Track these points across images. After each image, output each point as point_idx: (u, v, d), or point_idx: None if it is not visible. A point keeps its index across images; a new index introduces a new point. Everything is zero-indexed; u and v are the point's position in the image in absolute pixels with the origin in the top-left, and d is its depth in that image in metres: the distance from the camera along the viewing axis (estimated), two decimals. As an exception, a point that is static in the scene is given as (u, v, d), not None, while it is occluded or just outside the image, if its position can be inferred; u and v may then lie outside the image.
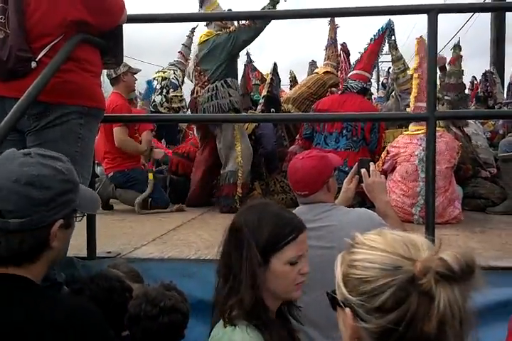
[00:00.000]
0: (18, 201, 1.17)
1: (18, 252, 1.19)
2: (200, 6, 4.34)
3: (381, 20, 4.61)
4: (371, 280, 0.81)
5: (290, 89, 6.25)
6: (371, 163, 2.13)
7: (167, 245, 2.78)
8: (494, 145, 5.17)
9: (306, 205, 1.99)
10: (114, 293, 1.70)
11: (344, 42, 5.42)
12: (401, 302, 0.78)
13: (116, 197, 4.38)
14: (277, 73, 5.12)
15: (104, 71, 3.87)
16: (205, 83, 4.22)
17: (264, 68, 6.20)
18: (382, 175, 2.22)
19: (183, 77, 5.83)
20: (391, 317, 0.78)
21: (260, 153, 4.37)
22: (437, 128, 3.03)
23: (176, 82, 5.63)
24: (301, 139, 4.45)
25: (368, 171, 2.09)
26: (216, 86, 4.15)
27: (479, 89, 7.26)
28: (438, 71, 4.37)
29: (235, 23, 4.28)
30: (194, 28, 5.68)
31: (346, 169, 3.49)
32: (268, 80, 5.02)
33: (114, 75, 4.36)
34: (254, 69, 6.25)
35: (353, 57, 4.92)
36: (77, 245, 2.32)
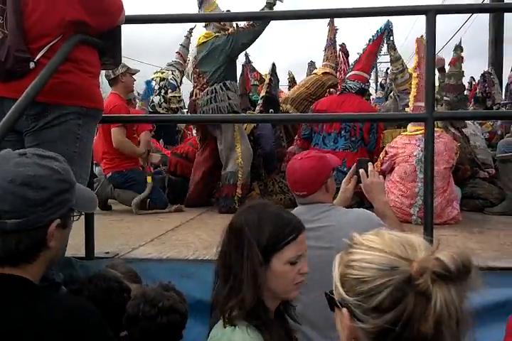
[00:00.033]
0: (14, 201, 1.17)
1: (14, 252, 1.19)
2: (199, 7, 4.34)
3: (380, 21, 4.61)
4: (368, 280, 0.81)
5: (289, 89, 6.26)
6: (369, 164, 2.13)
7: (165, 245, 2.78)
8: (492, 146, 5.18)
9: (305, 206, 1.99)
10: (112, 294, 1.70)
11: (343, 43, 5.43)
12: (398, 302, 0.78)
13: (114, 198, 4.38)
14: (276, 74, 5.12)
15: (103, 72, 3.87)
16: (204, 85, 4.22)
17: (263, 69, 6.21)
18: (381, 176, 2.22)
19: (181, 78, 5.83)
20: (388, 317, 0.78)
21: (259, 153, 4.37)
22: (436, 129, 3.03)
23: (174, 83, 5.63)
24: (299, 140, 4.45)
25: (367, 171, 2.09)
26: (215, 88, 4.14)
27: (477, 90, 7.27)
28: (437, 72, 4.38)
29: (234, 24, 4.29)
30: (192, 29, 5.68)
31: (345, 169, 3.50)
32: (267, 81, 5.02)
33: (112, 76, 4.36)
34: (253, 69, 6.25)
35: (352, 58, 4.92)
36: (75, 245, 2.32)
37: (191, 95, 4.49)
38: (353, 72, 4.44)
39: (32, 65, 1.86)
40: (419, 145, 3.53)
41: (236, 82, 4.35)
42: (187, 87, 6.00)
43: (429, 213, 2.26)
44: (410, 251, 0.82)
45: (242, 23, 4.18)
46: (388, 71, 8.72)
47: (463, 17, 13.30)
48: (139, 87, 5.86)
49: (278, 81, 5.28)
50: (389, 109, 5.54)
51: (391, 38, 4.60)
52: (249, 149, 4.22)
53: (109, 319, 1.26)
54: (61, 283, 1.86)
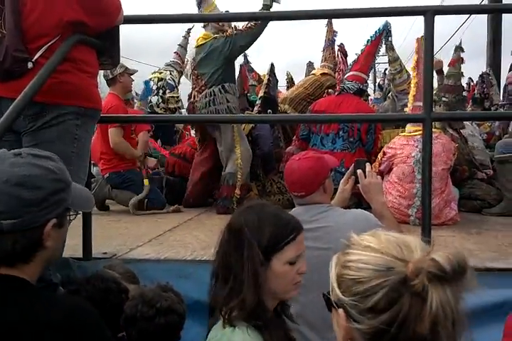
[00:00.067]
0: (9, 202, 1.16)
1: (11, 253, 1.18)
2: (198, 8, 4.34)
3: (378, 22, 4.61)
4: (364, 280, 0.81)
5: (287, 90, 6.26)
6: (367, 164, 2.13)
7: (163, 246, 2.78)
8: (490, 147, 5.18)
9: (303, 206, 1.99)
10: (110, 294, 1.70)
11: (342, 44, 5.43)
12: (393, 303, 0.78)
13: (112, 198, 4.38)
14: (274, 74, 5.11)
15: (101, 72, 3.87)
16: (202, 87, 4.22)
17: (262, 69, 6.20)
18: (379, 176, 2.22)
19: (180, 78, 5.82)
20: (383, 318, 0.78)
21: (257, 154, 4.37)
22: (434, 130, 3.03)
23: (173, 83, 5.63)
24: (297, 140, 4.46)
25: (364, 172, 2.09)
26: (213, 91, 4.14)
27: (476, 91, 7.28)
28: (435, 74, 4.38)
29: (232, 25, 4.28)
30: (190, 29, 5.67)
31: (343, 170, 3.49)
32: (265, 81, 5.01)
33: (110, 76, 4.35)
34: (252, 70, 6.24)
35: (350, 58, 4.92)
36: (72, 246, 2.31)
37: (190, 97, 4.48)
38: (351, 73, 4.44)
39: (30, 64, 1.86)
40: (417, 146, 3.53)
41: (235, 84, 4.34)
42: (185, 87, 5.99)
43: (426, 214, 2.26)
44: (406, 252, 0.82)
45: (240, 25, 4.18)
46: (386, 72, 8.73)
47: (461, 18, 13.34)
48: (137, 87, 5.85)
49: (277, 81, 5.28)
50: (387, 109, 5.54)
51: (389, 39, 4.61)
52: (249, 150, 4.22)
53: (106, 320, 1.26)
54: (58, 284, 1.86)
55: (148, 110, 5.73)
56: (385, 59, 5.23)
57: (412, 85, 3.91)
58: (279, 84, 5.58)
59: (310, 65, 6.66)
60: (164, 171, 4.93)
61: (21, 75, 1.86)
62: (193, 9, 4.42)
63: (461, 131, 4.46)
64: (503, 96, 6.86)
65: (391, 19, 4.48)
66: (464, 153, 4.22)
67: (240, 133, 4.19)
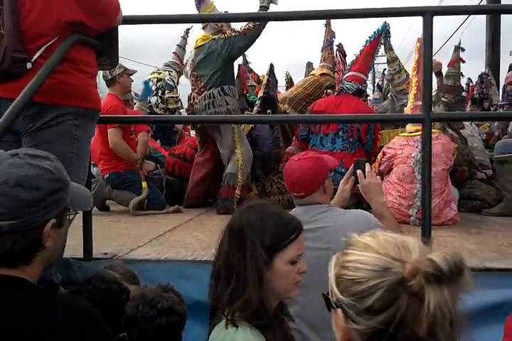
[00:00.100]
0: (7, 203, 1.16)
1: (10, 254, 1.18)
2: (197, 8, 4.34)
3: (377, 22, 4.62)
4: (362, 281, 0.81)
5: (286, 90, 6.26)
6: (367, 164, 2.13)
7: (163, 246, 2.78)
8: (490, 147, 5.18)
9: (302, 207, 1.99)
10: (111, 295, 1.70)
11: (340, 44, 5.43)
12: (390, 303, 0.78)
13: (112, 198, 4.38)
14: (274, 74, 5.11)
15: (100, 72, 3.86)
16: (202, 89, 4.21)
17: (261, 69, 6.20)
18: (378, 176, 2.22)
19: (178, 78, 5.82)
20: (380, 319, 0.78)
21: (256, 154, 4.37)
22: (433, 130, 3.03)
23: (172, 83, 5.62)
24: (297, 140, 4.46)
25: (364, 172, 2.09)
26: (213, 93, 4.13)
27: (475, 91, 7.28)
28: (434, 76, 4.37)
29: (232, 25, 4.28)
30: (188, 29, 5.67)
31: (342, 170, 3.50)
32: (264, 81, 5.01)
33: (109, 77, 4.35)
34: (250, 70, 6.24)
35: (349, 59, 4.93)
36: (73, 246, 2.31)
37: (189, 98, 4.48)
38: (350, 73, 4.45)
39: (29, 65, 1.86)
40: (417, 147, 3.53)
41: (234, 85, 4.33)
42: (184, 88, 5.99)
43: (426, 214, 2.26)
44: (404, 253, 0.82)
45: (238, 27, 4.18)
46: (385, 72, 8.73)
47: (460, 18, 13.35)
48: (136, 87, 5.85)
49: (276, 81, 5.28)
50: (386, 109, 5.54)
51: (388, 39, 4.62)
52: (249, 151, 4.22)
53: (107, 320, 1.25)
54: (59, 284, 1.86)
55: (148, 110, 5.73)
56: (384, 59, 5.23)
57: (414, 84, 3.91)
58: (278, 84, 5.58)
59: (309, 66, 6.66)
60: (164, 171, 4.92)
61: (20, 76, 1.86)
62: (191, 10, 4.42)
63: (460, 131, 4.46)
64: (502, 97, 6.87)
65: (390, 20, 4.49)
66: (464, 153, 4.22)
67: (240, 134, 4.19)
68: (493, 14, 8.39)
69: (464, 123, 4.62)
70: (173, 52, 5.82)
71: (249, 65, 6.30)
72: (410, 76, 4.40)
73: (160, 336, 1.59)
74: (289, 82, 6.33)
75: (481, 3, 9.91)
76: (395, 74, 4.92)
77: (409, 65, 4.59)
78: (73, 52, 1.93)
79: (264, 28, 4.06)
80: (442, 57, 5.30)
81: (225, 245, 1.30)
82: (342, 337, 0.86)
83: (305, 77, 5.86)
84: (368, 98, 8.05)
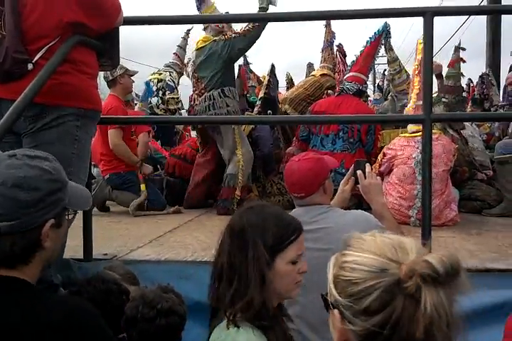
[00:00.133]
0: (5, 204, 1.16)
1: (9, 255, 1.18)
2: (198, 9, 4.34)
3: (377, 23, 4.62)
4: (358, 282, 0.81)
5: (286, 90, 6.26)
6: (367, 165, 2.13)
7: (163, 247, 2.78)
8: (490, 148, 5.18)
9: (303, 207, 1.99)
10: (111, 296, 1.70)
11: (340, 44, 5.44)
12: (386, 304, 0.78)
13: (112, 199, 4.38)
14: (275, 75, 5.11)
15: (101, 73, 3.87)
16: (202, 91, 4.22)
17: (262, 70, 6.20)
18: (379, 177, 2.22)
19: (179, 79, 5.83)
20: (376, 320, 0.78)
21: (257, 155, 4.37)
22: (434, 131, 3.03)
23: (172, 84, 5.63)
24: (297, 141, 4.46)
25: (364, 173, 2.09)
26: (213, 95, 4.14)
27: (476, 92, 7.28)
28: (434, 78, 4.37)
29: (233, 26, 4.28)
30: (189, 30, 5.68)
31: (343, 171, 3.50)
32: (265, 82, 5.02)
33: (110, 77, 4.35)
34: (250, 71, 6.24)
35: (350, 59, 4.93)
36: (73, 247, 2.31)
37: (190, 100, 4.49)
38: (350, 74, 4.45)
39: (30, 66, 1.87)
40: (418, 148, 3.52)
41: (234, 87, 4.33)
42: (185, 88, 5.99)
43: (427, 215, 2.26)
44: (401, 254, 0.82)
45: (239, 28, 4.18)
46: (385, 72, 8.73)
47: (460, 19, 13.36)
48: (137, 88, 5.86)
49: (277, 82, 5.28)
50: (387, 109, 5.55)
51: (388, 40, 4.62)
52: (250, 152, 4.23)
53: (107, 321, 1.25)
54: (59, 285, 1.86)
55: (149, 111, 5.74)
56: (385, 60, 5.23)
57: (415, 84, 3.91)
58: (279, 85, 5.58)
59: (310, 66, 6.66)
60: (164, 172, 4.92)
61: (21, 77, 1.87)
62: (192, 10, 4.42)
63: (461, 131, 4.46)
64: (502, 97, 6.86)
65: (390, 20, 4.49)
66: (465, 154, 4.22)
67: (240, 135, 4.19)
68: (494, 15, 8.39)
69: (465, 123, 4.62)
70: (174, 53, 5.83)
71: (250, 65, 6.30)
72: (411, 76, 4.40)
73: (160, 337, 1.59)
74: (290, 83, 6.33)
75: (482, 4, 9.91)
76: (396, 75, 4.93)
77: (410, 66, 4.60)
78: (74, 53, 1.94)
79: (264, 29, 4.07)
80: (442, 58, 5.30)
81: (225, 246, 1.31)
82: (338, 338, 0.86)
83: (306, 77, 5.86)
84: (369, 99, 8.05)
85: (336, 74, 5.24)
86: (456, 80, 4.84)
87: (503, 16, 8.99)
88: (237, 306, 1.22)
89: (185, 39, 5.75)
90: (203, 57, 4.21)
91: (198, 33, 4.55)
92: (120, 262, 2.32)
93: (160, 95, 5.49)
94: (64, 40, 1.91)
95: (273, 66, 5.11)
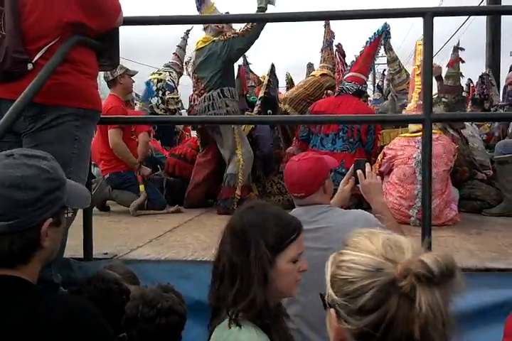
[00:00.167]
0: (2, 204, 1.16)
1: (8, 254, 1.18)
2: (198, 10, 4.34)
3: (377, 23, 4.63)
4: (354, 281, 0.81)
5: (286, 90, 6.27)
6: (367, 164, 2.13)
7: (164, 246, 2.78)
8: (490, 148, 5.19)
9: (303, 207, 1.99)
10: (111, 295, 1.70)
11: (339, 44, 5.44)
12: (381, 304, 0.78)
13: (112, 199, 4.38)
14: (275, 74, 5.11)
15: (101, 73, 3.87)
16: (202, 91, 4.22)
17: (261, 70, 6.20)
18: (378, 177, 2.22)
19: (179, 79, 5.84)
20: (370, 319, 0.79)
21: (257, 155, 4.37)
22: (434, 131, 3.03)
23: (172, 84, 5.63)
24: (297, 141, 4.47)
25: (364, 172, 2.10)
26: (212, 95, 4.14)
27: (476, 92, 7.28)
28: (434, 81, 4.37)
29: (233, 26, 4.28)
30: (189, 30, 5.69)
31: (343, 171, 3.50)
32: (265, 82, 5.02)
33: (111, 77, 4.35)
34: (249, 71, 6.23)
35: (349, 59, 4.93)
36: (73, 246, 2.31)
37: (190, 100, 4.49)
38: (350, 74, 4.45)
39: (30, 66, 1.87)
40: (418, 148, 3.52)
41: (234, 87, 4.34)
42: (185, 88, 5.99)
43: (427, 215, 2.26)
44: (397, 253, 0.82)
45: (238, 28, 4.18)
46: (385, 72, 8.73)
47: (460, 19, 13.36)
48: (137, 88, 5.86)
49: (277, 82, 5.28)
50: (387, 109, 5.56)
51: (388, 40, 4.62)
52: (250, 151, 4.23)
53: (107, 320, 1.26)
54: (59, 284, 1.86)
55: (150, 111, 5.74)
56: (384, 60, 5.24)
57: (418, 83, 3.90)
58: (279, 85, 5.58)
59: (310, 66, 6.67)
60: (164, 172, 4.93)
61: (21, 76, 1.87)
62: (192, 11, 4.42)
63: (461, 131, 4.46)
64: (502, 97, 6.86)
65: (390, 20, 4.49)
66: (465, 154, 4.22)
67: (240, 135, 4.19)
68: (494, 15, 8.40)
69: (465, 123, 4.62)
70: (174, 53, 5.83)
71: (250, 65, 6.30)
72: (411, 76, 4.40)
73: (160, 336, 1.60)
74: (290, 83, 6.34)
75: (482, 4, 9.91)
76: (395, 74, 4.93)
77: (410, 66, 4.60)
78: (74, 53, 1.94)
79: (262, 28, 4.07)
80: (442, 59, 5.30)
81: (227, 246, 1.31)
82: (335, 337, 0.86)
83: (306, 77, 5.86)
84: (369, 99, 8.06)
85: (336, 74, 5.24)
86: (456, 80, 4.84)
87: (502, 17, 8.99)
88: (240, 305, 1.23)
89: (184, 39, 5.76)
90: (203, 57, 4.21)
91: (198, 34, 4.56)
92: (120, 261, 2.32)
93: (160, 95, 5.50)
94: (64, 40, 1.91)
95: (273, 66, 5.11)
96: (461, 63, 5.10)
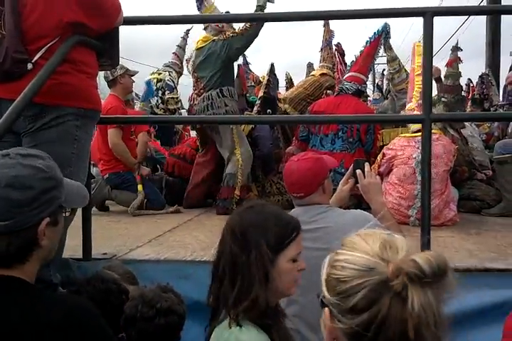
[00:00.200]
0: None
1: (5, 254, 1.18)
2: (198, 9, 4.34)
3: (377, 23, 4.63)
4: (347, 280, 0.81)
5: (286, 90, 6.27)
6: (366, 164, 2.13)
7: (163, 246, 2.78)
8: (489, 148, 5.19)
9: (302, 207, 1.99)
10: (110, 295, 1.70)
11: (339, 43, 5.44)
12: (372, 303, 0.78)
13: (112, 199, 4.38)
14: (275, 74, 5.11)
15: (101, 73, 3.87)
16: (201, 90, 4.22)
17: (261, 70, 6.20)
18: (378, 177, 2.22)
19: (178, 79, 5.84)
20: (362, 319, 0.78)
21: (256, 155, 4.37)
22: (434, 131, 3.02)
23: (172, 84, 5.63)
24: (297, 141, 4.46)
25: (363, 172, 2.09)
26: (211, 95, 4.14)
27: (475, 91, 7.29)
28: (434, 83, 4.37)
29: (233, 25, 4.28)
30: (189, 30, 5.69)
31: (342, 171, 3.50)
32: (264, 81, 5.02)
33: (111, 77, 4.35)
34: (249, 71, 6.23)
35: (348, 58, 4.93)
36: (72, 246, 2.31)
37: (190, 99, 4.49)
38: (349, 74, 4.46)
39: (30, 66, 1.87)
40: (418, 148, 3.51)
41: (233, 87, 4.33)
42: (185, 88, 5.99)
43: (426, 215, 2.26)
44: (390, 253, 0.82)
45: (237, 27, 4.18)
46: (384, 72, 8.73)
47: (460, 19, 13.36)
48: (137, 88, 5.86)
49: (277, 81, 5.28)
50: (386, 108, 5.56)
51: (388, 40, 4.62)
52: (249, 151, 4.23)
53: (107, 320, 1.25)
54: (58, 284, 1.86)
55: (150, 111, 5.74)
56: (384, 60, 5.24)
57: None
58: (278, 85, 5.58)
59: (310, 66, 6.67)
60: (164, 172, 4.92)
61: (21, 76, 1.87)
62: (192, 10, 4.42)
63: (461, 131, 4.46)
64: (502, 97, 6.87)
65: (390, 20, 4.49)
66: (464, 154, 4.22)
67: (239, 135, 4.19)
68: (494, 15, 8.41)
69: (465, 123, 4.62)
70: (173, 53, 5.83)
71: (249, 65, 6.30)
72: (410, 76, 4.40)
73: (159, 336, 1.60)
74: (289, 83, 6.34)
75: (482, 4, 9.92)
76: (395, 74, 4.93)
77: (409, 65, 4.60)
78: (74, 53, 1.94)
79: (261, 27, 4.06)
80: (442, 59, 5.30)
81: (227, 246, 1.31)
82: (328, 336, 0.86)
83: (306, 77, 5.86)
84: (368, 98, 8.06)
85: (335, 73, 5.24)
86: (455, 79, 4.83)
87: (502, 16, 9.01)
88: (242, 305, 1.23)
89: (184, 39, 5.76)
90: (202, 57, 4.21)
91: (199, 33, 4.56)
92: (119, 262, 2.32)
93: (159, 95, 5.50)
94: (64, 40, 1.91)
95: (272, 65, 5.11)
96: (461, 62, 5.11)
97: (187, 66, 4.89)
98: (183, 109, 5.83)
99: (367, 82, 4.98)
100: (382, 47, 4.59)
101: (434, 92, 4.38)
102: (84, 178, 2.05)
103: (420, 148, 3.36)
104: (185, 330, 1.69)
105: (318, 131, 4.20)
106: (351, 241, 0.88)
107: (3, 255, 1.18)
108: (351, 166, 2.17)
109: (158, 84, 5.51)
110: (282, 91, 6.54)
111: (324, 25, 5.44)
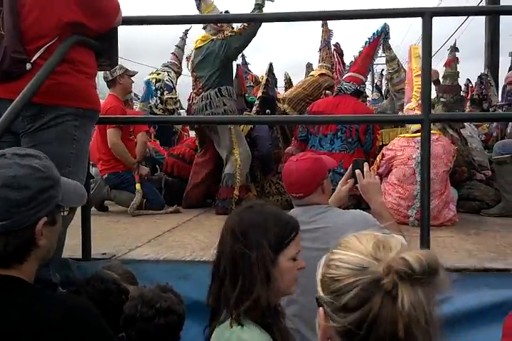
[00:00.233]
0: None
1: (3, 254, 1.18)
2: (198, 9, 4.34)
3: (376, 23, 4.63)
4: (340, 279, 0.82)
5: (285, 91, 6.27)
6: (365, 164, 2.13)
7: (162, 246, 2.78)
8: (489, 148, 5.19)
9: (301, 207, 1.99)
10: (110, 295, 1.70)
11: (337, 43, 5.45)
12: (364, 302, 0.78)
13: (111, 199, 4.38)
14: (273, 74, 5.12)
15: (100, 73, 3.87)
16: (200, 90, 4.22)
17: (260, 70, 6.20)
18: (377, 176, 2.22)
19: (177, 79, 5.84)
20: (354, 317, 0.79)
21: (255, 155, 4.37)
22: (434, 132, 3.03)
23: (171, 84, 5.63)
24: (296, 141, 4.46)
25: (363, 172, 2.09)
26: (210, 94, 4.14)
27: (474, 92, 7.30)
28: (432, 85, 4.37)
29: (232, 25, 4.28)
30: (187, 30, 5.69)
31: (341, 171, 3.50)
32: (263, 81, 5.02)
33: (110, 77, 4.35)
34: (247, 71, 6.23)
35: (347, 58, 4.94)
36: (72, 246, 2.31)
37: (189, 99, 4.49)
38: (348, 74, 4.46)
39: (28, 66, 1.86)
40: (418, 148, 3.52)
41: (232, 86, 4.33)
42: (184, 88, 5.99)
43: (425, 215, 2.26)
44: (383, 253, 0.82)
45: (236, 27, 4.18)
46: (383, 72, 8.73)
47: (459, 19, 13.37)
48: (137, 88, 5.86)
49: (276, 81, 5.28)
50: (386, 108, 5.55)
51: (387, 41, 4.63)
52: (248, 151, 4.22)
53: (106, 320, 1.25)
54: (58, 284, 1.86)
55: (149, 111, 5.74)
56: (383, 60, 5.24)
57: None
58: (277, 85, 5.58)
59: (309, 66, 6.67)
60: (163, 172, 4.92)
61: (19, 76, 1.86)
62: (192, 10, 4.42)
63: (460, 131, 4.46)
64: (502, 97, 6.88)
65: (389, 20, 4.50)
66: (464, 154, 4.22)
67: (237, 135, 4.19)
68: (492, 15, 8.42)
69: (464, 123, 4.62)
70: (172, 53, 5.84)
71: (248, 65, 6.30)
72: (407, 78, 4.40)
73: (158, 336, 1.60)
74: (288, 83, 6.34)
75: (481, 4, 9.93)
76: (394, 74, 4.94)
77: (407, 66, 4.60)
78: (72, 53, 1.93)
79: (260, 26, 4.07)
80: (440, 59, 5.30)
81: (227, 246, 1.31)
82: (322, 335, 0.87)
83: (305, 77, 5.87)
84: (367, 99, 8.07)
85: (334, 73, 5.25)
86: (454, 79, 4.84)
87: (501, 17, 9.00)
88: (244, 305, 1.24)
89: (183, 39, 5.76)
90: (201, 56, 4.21)
91: (198, 33, 4.56)
92: (119, 262, 2.32)
93: (158, 95, 5.50)
94: (62, 40, 1.90)
95: (271, 65, 5.11)
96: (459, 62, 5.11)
97: (187, 64, 4.89)
98: (182, 109, 5.83)
99: (366, 83, 4.98)
100: (381, 47, 4.59)
101: (433, 94, 4.39)
102: (84, 178, 2.05)
103: (420, 148, 3.37)
104: (185, 330, 1.69)
105: (317, 131, 4.20)
106: (346, 240, 0.88)
107: (1, 255, 1.18)
108: (350, 166, 2.17)
109: (157, 84, 5.51)
110: (281, 91, 6.54)
111: (322, 25, 5.45)
